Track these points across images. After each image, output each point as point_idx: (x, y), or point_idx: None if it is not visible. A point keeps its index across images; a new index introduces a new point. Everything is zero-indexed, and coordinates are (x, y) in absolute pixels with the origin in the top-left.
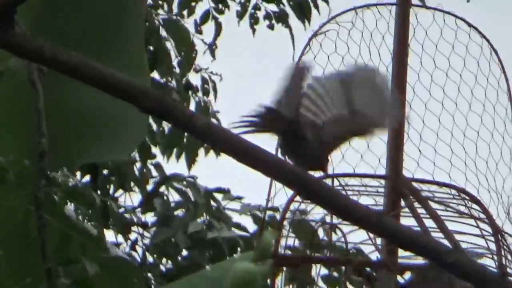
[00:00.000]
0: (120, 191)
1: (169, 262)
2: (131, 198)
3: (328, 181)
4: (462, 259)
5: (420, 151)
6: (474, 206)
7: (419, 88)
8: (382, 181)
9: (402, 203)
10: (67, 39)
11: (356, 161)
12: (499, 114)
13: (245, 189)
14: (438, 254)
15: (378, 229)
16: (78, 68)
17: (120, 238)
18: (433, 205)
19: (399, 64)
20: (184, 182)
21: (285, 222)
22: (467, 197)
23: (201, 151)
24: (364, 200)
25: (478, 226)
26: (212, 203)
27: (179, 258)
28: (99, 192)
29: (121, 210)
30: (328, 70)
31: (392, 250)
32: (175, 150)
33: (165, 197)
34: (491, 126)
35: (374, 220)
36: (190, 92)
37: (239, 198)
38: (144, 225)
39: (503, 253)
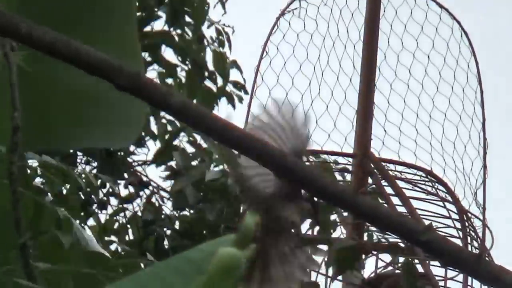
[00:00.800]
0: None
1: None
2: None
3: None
4: (437, 239)
5: (385, 130)
6: (441, 187)
7: (385, 68)
8: (350, 159)
9: (369, 181)
10: (53, 24)
11: (323, 139)
12: (468, 97)
13: None
14: (413, 234)
15: (354, 208)
16: (53, 44)
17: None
18: (400, 184)
19: (368, 44)
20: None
21: None
22: (434, 179)
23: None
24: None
25: (445, 207)
26: None
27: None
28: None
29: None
30: (297, 49)
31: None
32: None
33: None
34: (460, 108)
35: (350, 198)
36: (205, 42)
37: None
38: (146, 184)
39: (468, 233)
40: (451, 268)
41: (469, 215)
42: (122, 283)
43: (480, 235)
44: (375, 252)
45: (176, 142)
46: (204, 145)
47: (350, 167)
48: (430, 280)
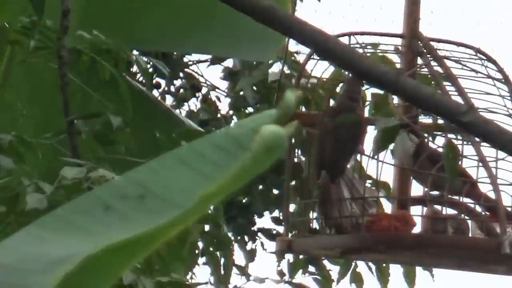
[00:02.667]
0: None
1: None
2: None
3: (345, 40)
4: (478, 120)
5: (431, 11)
6: (491, 65)
7: None
8: (399, 40)
9: (419, 61)
10: None
11: (370, 22)
12: None
13: None
14: (455, 115)
15: (397, 89)
16: None
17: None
18: (450, 64)
19: None
20: None
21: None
22: (483, 57)
23: None
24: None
25: (495, 85)
26: None
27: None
28: None
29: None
30: None
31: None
32: None
33: None
34: None
35: (393, 80)
36: None
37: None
38: (198, 88)
39: None
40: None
41: None
42: (161, 159)
43: None
44: (425, 135)
45: None
46: None
47: (399, 48)
48: (482, 161)
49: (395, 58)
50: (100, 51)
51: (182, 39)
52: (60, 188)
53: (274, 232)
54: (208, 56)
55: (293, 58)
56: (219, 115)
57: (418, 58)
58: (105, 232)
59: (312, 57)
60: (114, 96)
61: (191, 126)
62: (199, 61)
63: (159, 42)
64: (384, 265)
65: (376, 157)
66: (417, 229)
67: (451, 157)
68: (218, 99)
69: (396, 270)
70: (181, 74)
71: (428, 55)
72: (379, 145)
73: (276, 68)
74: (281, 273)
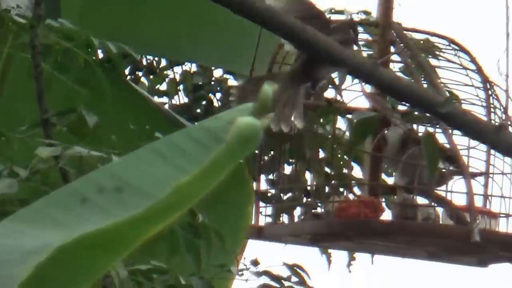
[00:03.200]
0: None
1: None
2: None
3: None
4: (457, 110)
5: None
6: (464, 55)
7: None
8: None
9: (392, 49)
10: None
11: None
12: None
13: None
14: (432, 105)
15: (374, 79)
16: None
17: None
18: (422, 53)
19: None
20: None
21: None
22: (456, 47)
23: None
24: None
25: (467, 75)
26: None
27: None
28: None
29: None
30: None
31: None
32: None
33: None
34: None
35: (370, 70)
36: None
37: None
38: None
39: (491, 102)
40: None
41: (492, 83)
42: (138, 152)
43: (503, 103)
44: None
45: None
46: None
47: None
48: (452, 150)
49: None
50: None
51: (170, 45)
52: (36, 174)
53: None
54: None
55: None
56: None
57: (391, 46)
58: (81, 224)
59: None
60: (91, 83)
61: (172, 116)
62: None
63: (147, 47)
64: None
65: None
66: (387, 216)
67: (431, 148)
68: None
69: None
70: None
71: (401, 44)
72: (355, 137)
73: None
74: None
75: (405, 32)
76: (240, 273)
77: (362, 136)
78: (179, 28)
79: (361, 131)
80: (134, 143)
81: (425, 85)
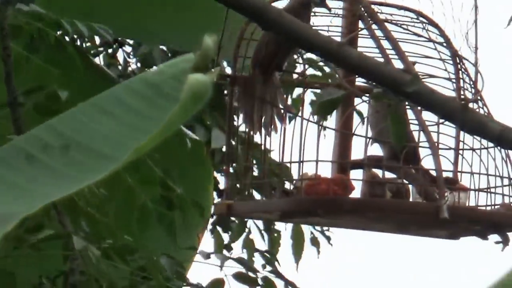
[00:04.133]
0: None
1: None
2: None
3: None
4: (424, 89)
5: None
6: (432, 29)
7: None
8: (340, 3)
9: (360, 25)
10: None
11: None
12: None
13: None
14: (399, 85)
15: (340, 58)
16: None
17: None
18: (391, 27)
19: None
20: None
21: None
22: (425, 20)
23: None
24: (320, 21)
25: (436, 49)
26: None
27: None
28: None
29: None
30: None
31: (351, 80)
32: None
33: None
34: None
35: (335, 49)
36: None
37: None
38: (121, 43)
39: (461, 76)
40: None
41: (461, 57)
42: (80, 107)
43: (472, 77)
44: (366, 99)
45: None
46: None
47: (340, 11)
48: (422, 125)
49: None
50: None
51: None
52: None
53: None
54: None
55: None
56: (129, 71)
57: (359, 21)
58: (35, 187)
59: (249, 23)
60: (62, 61)
61: None
62: None
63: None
64: (275, 234)
65: (317, 121)
66: (356, 194)
67: (398, 122)
68: (128, 55)
69: (287, 244)
70: None
71: (369, 18)
72: (321, 112)
73: None
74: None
75: (372, 6)
76: (207, 256)
77: (328, 112)
78: (146, 10)
79: (324, 110)
80: None
81: (393, 60)
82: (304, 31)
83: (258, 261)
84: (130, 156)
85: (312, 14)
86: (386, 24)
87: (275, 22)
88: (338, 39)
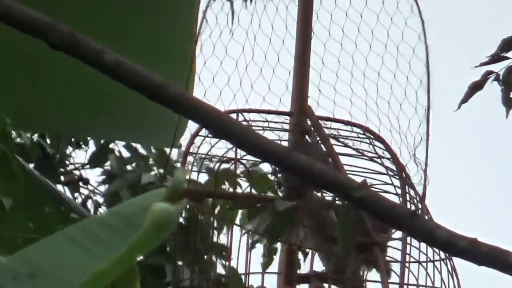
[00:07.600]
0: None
1: None
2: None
3: (233, 116)
4: (371, 195)
5: (320, 90)
6: (378, 144)
7: (319, 28)
8: (287, 118)
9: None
10: None
11: (259, 101)
12: (403, 55)
13: None
14: (347, 190)
15: (288, 165)
16: None
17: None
18: (337, 142)
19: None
20: None
21: (190, 158)
22: (371, 136)
23: None
24: (268, 135)
25: (382, 164)
26: None
27: None
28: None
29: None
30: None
31: None
32: None
33: (117, 153)
34: (394, 67)
35: (284, 156)
36: None
37: None
38: (86, 181)
39: (407, 190)
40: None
41: (408, 172)
42: (52, 237)
43: (419, 192)
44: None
45: (112, 146)
46: (141, 149)
47: (287, 126)
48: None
49: (283, 135)
50: None
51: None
52: None
53: None
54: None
55: None
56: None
57: (306, 136)
58: None
59: (198, 134)
60: (5, 174)
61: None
62: (83, 165)
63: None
64: None
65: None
66: None
67: (346, 231)
68: (99, 205)
69: None
70: (62, 178)
71: (316, 133)
72: (277, 228)
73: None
74: None
75: (320, 121)
76: None
77: (283, 226)
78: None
79: (282, 222)
80: (50, 226)
81: None
82: (253, 137)
83: None
84: (91, 283)
85: (261, 129)
86: (333, 140)
87: (225, 128)
88: None
